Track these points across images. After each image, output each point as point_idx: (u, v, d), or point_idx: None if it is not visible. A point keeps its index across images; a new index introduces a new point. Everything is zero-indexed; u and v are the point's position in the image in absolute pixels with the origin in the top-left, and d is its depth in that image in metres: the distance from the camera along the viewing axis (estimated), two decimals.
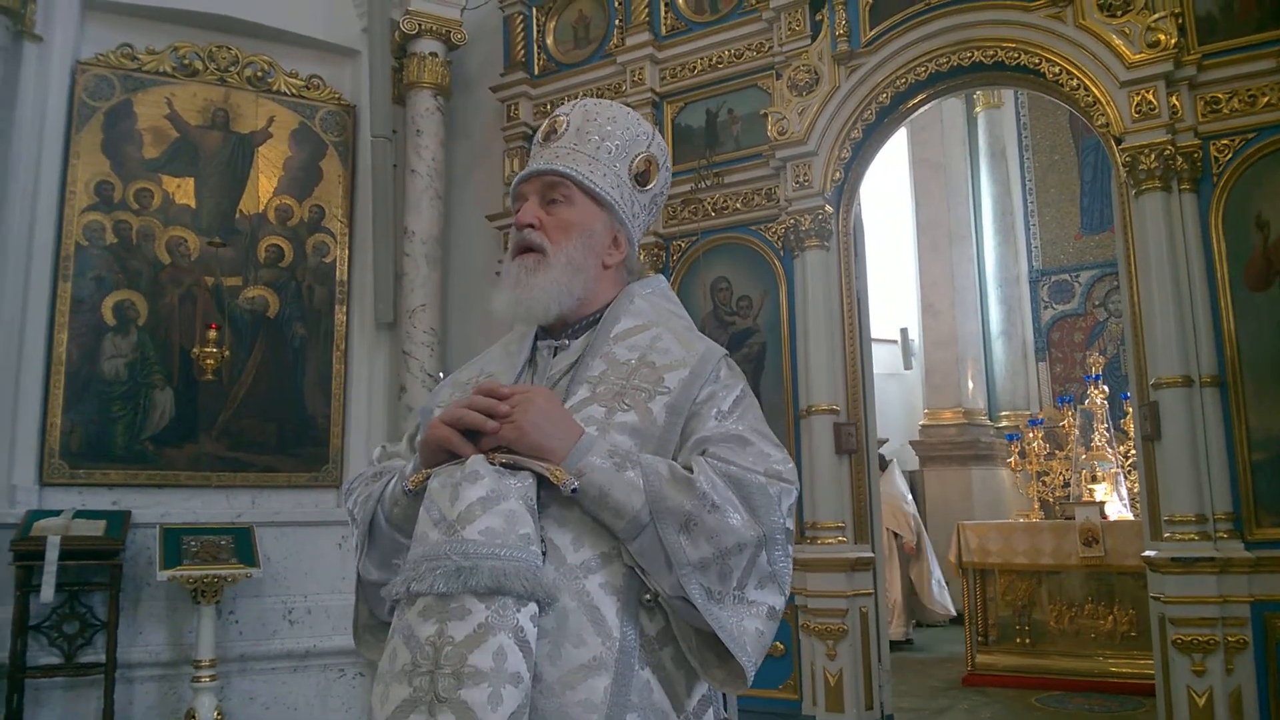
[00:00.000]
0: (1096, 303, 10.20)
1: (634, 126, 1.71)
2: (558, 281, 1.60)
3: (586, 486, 1.40)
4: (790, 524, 1.47)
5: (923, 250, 10.90)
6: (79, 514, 5.00)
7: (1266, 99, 4.24)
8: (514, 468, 1.41)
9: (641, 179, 1.71)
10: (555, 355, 1.65)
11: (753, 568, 1.41)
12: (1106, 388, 7.84)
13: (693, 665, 1.44)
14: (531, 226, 1.62)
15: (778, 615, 1.45)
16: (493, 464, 1.41)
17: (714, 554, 1.38)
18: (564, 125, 1.68)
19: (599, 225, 1.66)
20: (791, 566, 1.48)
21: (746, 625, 1.40)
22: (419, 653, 1.29)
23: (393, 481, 1.57)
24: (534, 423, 1.43)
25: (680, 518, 1.39)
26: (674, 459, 1.48)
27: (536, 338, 1.69)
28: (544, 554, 1.39)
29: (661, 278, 1.82)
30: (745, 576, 1.41)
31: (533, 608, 1.33)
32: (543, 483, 1.42)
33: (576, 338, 1.65)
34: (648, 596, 1.42)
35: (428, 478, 1.45)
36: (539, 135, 1.72)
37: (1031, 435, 8.19)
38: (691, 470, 1.42)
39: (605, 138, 1.66)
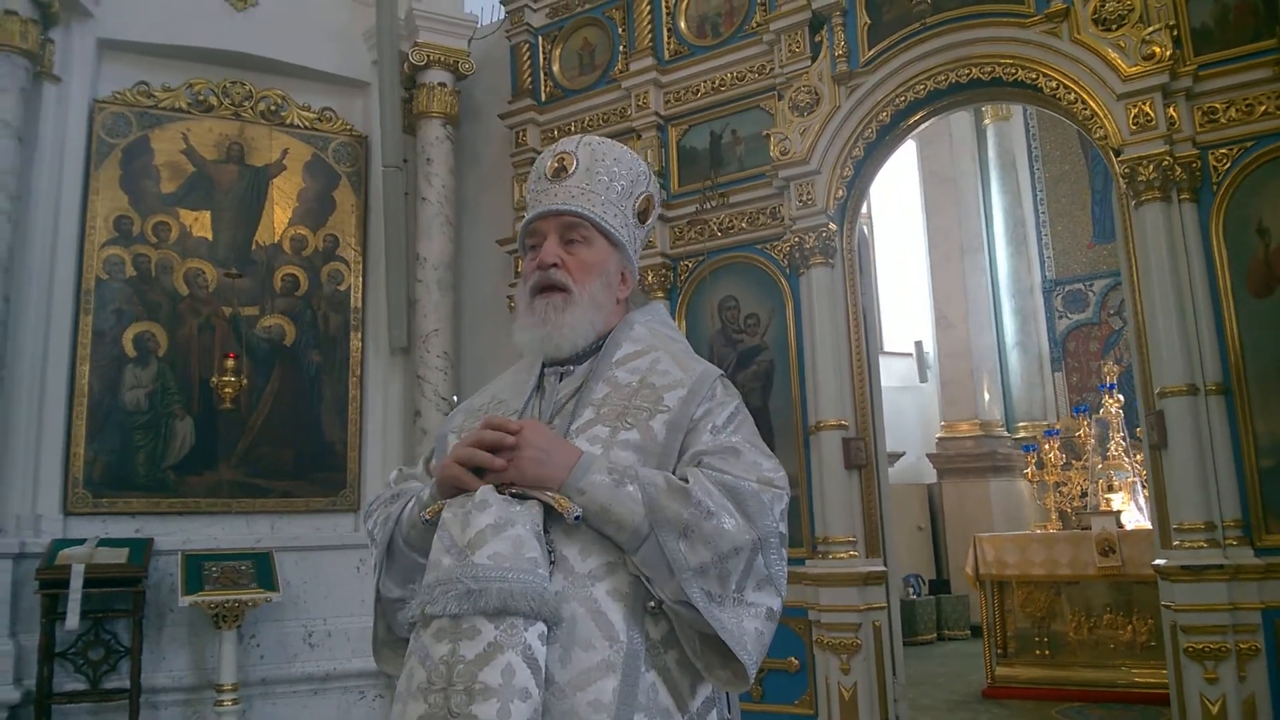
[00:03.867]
0: (1111, 311, 10.18)
1: (635, 166, 1.80)
2: (583, 320, 1.69)
3: (588, 504, 1.48)
4: (783, 528, 1.55)
5: (935, 263, 10.93)
6: (102, 542, 5.09)
7: (1263, 108, 4.26)
8: (522, 496, 1.50)
9: (642, 216, 1.81)
10: (561, 380, 1.73)
11: (750, 570, 1.49)
12: (1121, 396, 7.80)
13: (697, 667, 1.52)
14: (555, 266, 1.69)
15: (776, 616, 1.53)
16: (501, 493, 1.50)
17: (712, 558, 1.46)
18: (574, 164, 1.74)
19: (612, 263, 1.75)
20: (786, 570, 1.56)
21: (746, 626, 1.47)
22: (433, 671, 1.37)
23: (410, 504, 1.66)
24: (531, 458, 1.51)
25: (679, 526, 1.46)
26: (673, 472, 1.56)
27: (543, 364, 1.78)
28: (554, 563, 1.48)
29: (659, 304, 1.93)
30: (744, 579, 1.49)
31: (540, 627, 1.40)
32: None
33: (581, 364, 1.73)
34: (652, 604, 1.50)
35: (442, 509, 1.53)
36: (545, 171, 1.76)
37: (1048, 446, 8.16)
38: (687, 480, 1.50)
39: (613, 178, 1.75)
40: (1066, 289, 10.45)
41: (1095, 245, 10.31)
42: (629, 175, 1.77)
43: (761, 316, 5.44)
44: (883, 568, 5.02)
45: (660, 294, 5.64)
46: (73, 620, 4.76)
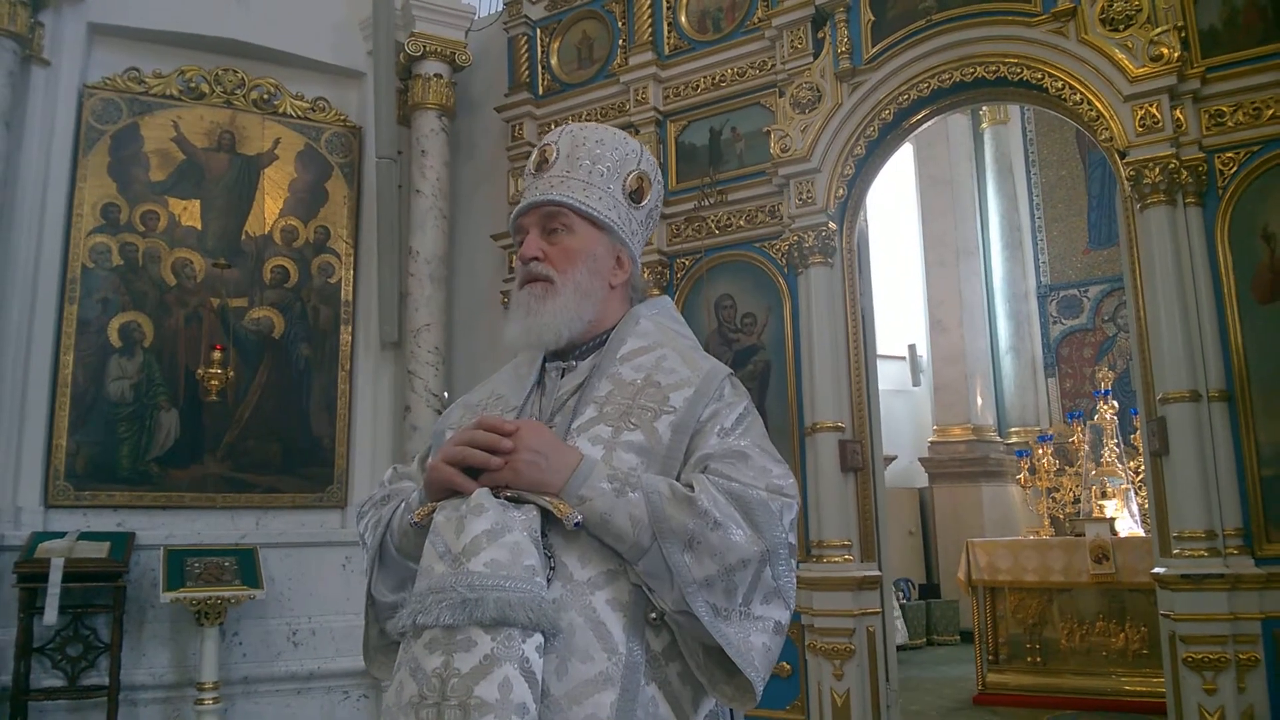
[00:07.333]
0: (1105, 317, 10.16)
1: (622, 146, 1.72)
2: (567, 307, 1.62)
3: (588, 513, 1.41)
4: (793, 539, 1.47)
5: (930, 266, 10.89)
6: (83, 536, 4.99)
7: (1271, 111, 4.21)
8: (519, 500, 1.43)
9: (636, 196, 1.72)
10: (563, 376, 1.66)
11: (758, 583, 1.42)
12: (1116, 403, 7.78)
13: (701, 682, 1.44)
14: (536, 259, 1.64)
15: (783, 630, 1.46)
16: (498, 497, 1.42)
17: (719, 571, 1.39)
18: (554, 154, 1.69)
19: (601, 248, 1.68)
20: (795, 581, 1.49)
21: (753, 641, 1.41)
22: (425, 685, 1.30)
23: (399, 509, 1.59)
24: (528, 461, 1.44)
25: (684, 537, 1.39)
26: (678, 476, 1.49)
27: (544, 360, 1.71)
28: (553, 569, 1.41)
29: (667, 298, 1.84)
30: (751, 592, 1.42)
31: (538, 638, 1.34)
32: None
33: (583, 359, 1.66)
34: (653, 615, 1.43)
35: (433, 512, 1.46)
36: (530, 166, 1.73)
37: (1041, 451, 8.13)
38: (693, 488, 1.43)
39: (596, 161, 1.68)
40: (1061, 294, 10.43)
41: (1091, 251, 10.29)
42: (614, 155, 1.70)
43: (759, 316, 5.38)
44: (878, 572, 4.96)
45: (656, 291, 5.56)
46: (51, 615, 4.67)
